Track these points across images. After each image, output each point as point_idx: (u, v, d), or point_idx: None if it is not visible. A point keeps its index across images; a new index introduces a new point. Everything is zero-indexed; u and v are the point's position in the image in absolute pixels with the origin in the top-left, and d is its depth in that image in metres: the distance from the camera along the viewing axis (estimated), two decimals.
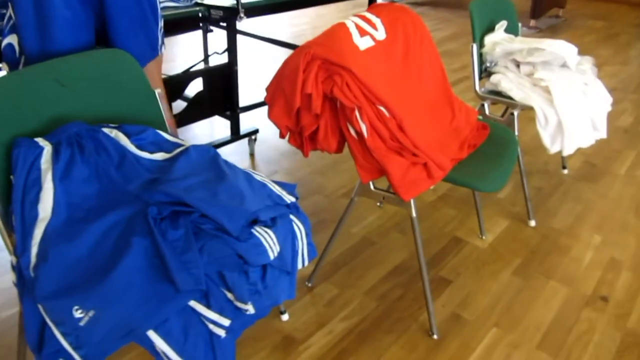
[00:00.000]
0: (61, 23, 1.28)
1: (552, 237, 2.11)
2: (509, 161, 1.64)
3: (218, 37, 3.36)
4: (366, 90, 1.41)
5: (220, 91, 2.29)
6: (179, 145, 1.25)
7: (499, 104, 2.19)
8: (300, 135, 1.52)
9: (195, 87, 2.30)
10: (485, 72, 2.28)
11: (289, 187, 1.27)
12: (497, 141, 1.73)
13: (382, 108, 1.43)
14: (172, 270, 0.93)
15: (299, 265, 1.22)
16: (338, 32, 1.53)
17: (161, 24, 1.55)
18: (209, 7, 1.89)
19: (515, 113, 2.10)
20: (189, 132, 2.79)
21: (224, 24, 2.00)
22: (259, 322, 1.61)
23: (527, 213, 2.19)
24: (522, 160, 2.13)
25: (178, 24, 1.87)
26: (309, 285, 1.79)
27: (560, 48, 2.13)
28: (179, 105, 2.24)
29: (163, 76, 2.10)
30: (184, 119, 2.20)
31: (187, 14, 1.86)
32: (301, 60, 1.40)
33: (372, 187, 1.54)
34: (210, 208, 1.00)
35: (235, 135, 2.47)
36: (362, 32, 1.59)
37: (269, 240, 1.06)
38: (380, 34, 1.67)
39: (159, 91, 1.44)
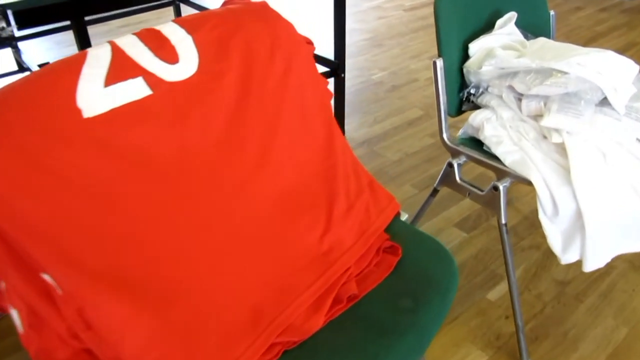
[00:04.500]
0: None
1: None
2: (412, 346, 0.76)
3: None
4: (10, 238, 0.59)
5: None
6: None
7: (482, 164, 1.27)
8: None
9: None
10: (469, 103, 1.36)
11: None
12: (409, 285, 0.85)
13: (47, 277, 0.61)
14: None
15: None
16: (43, 78, 0.72)
17: None
18: None
19: (501, 187, 1.18)
20: None
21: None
22: None
23: (520, 354, 1.28)
24: (511, 266, 1.22)
25: None
26: None
27: (598, 70, 1.16)
28: None
29: None
30: None
31: None
32: None
33: None
34: None
35: None
36: (126, 71, 0.77)
37: None
38: (183, 69, 0.83)
39: None
